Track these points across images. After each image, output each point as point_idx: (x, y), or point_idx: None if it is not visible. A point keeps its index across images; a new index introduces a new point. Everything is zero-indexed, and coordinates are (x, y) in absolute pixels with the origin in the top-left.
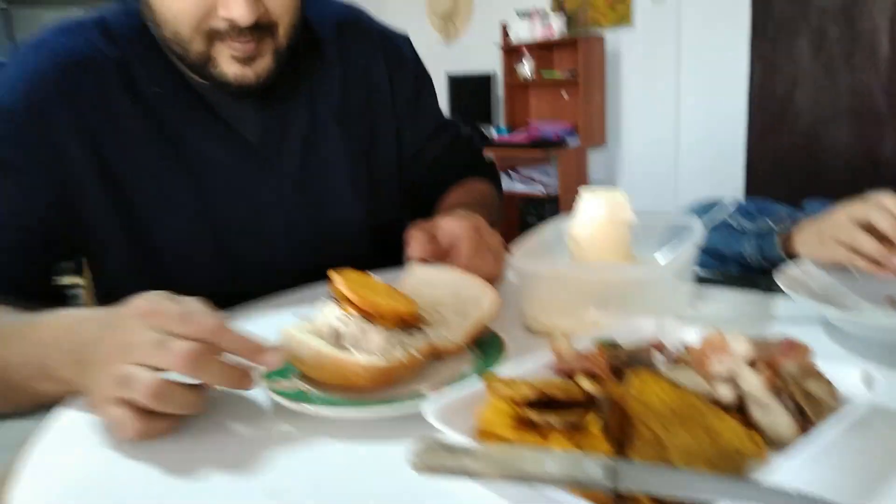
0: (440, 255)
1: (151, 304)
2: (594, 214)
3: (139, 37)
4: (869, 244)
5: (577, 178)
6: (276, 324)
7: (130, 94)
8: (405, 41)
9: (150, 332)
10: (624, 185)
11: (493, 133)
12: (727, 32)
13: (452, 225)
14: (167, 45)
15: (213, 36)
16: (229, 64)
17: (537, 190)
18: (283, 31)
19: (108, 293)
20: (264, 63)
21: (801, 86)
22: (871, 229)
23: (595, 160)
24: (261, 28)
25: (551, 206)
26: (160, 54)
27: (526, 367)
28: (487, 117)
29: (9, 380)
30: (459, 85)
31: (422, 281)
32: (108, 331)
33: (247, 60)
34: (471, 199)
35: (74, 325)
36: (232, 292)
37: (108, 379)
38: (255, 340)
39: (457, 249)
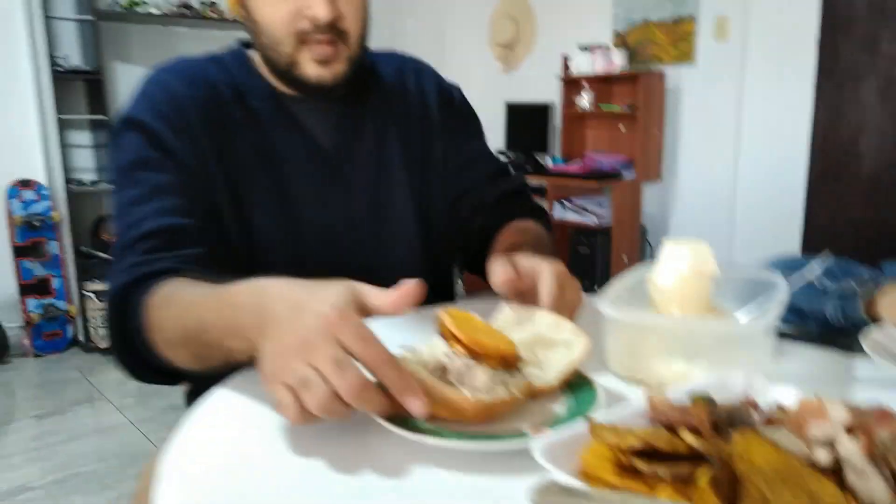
0: (523, 291)
1: (341, 315)
2: (678, 265)
3: (245, 68)
4: None
5: (631, 211)
6: None
7: (239, 104)
8: (457, 89)
9: (334, 347)
10: (677, 222)
11: (548, 162)
12: (792, 74)
13: (535, 264)
14: (264, 53)
15: (299, 38)
16: (311, 66)
17: (590, 220)
18: (353, 39)
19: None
20: (339, 66)
21: (867, 133)
22: None
23: (649, 194)
24: (337, 32)
25: (603, 238)
26: (260, 78)
27: (620, 414)
28: (544, 146)
29: (207, 339)
30: (517, 113)
31: (512, 320)
32: (295, 318)
33: (325, 63)
34: (527, 240)
35: (266, 296)
36: None
37: (287, 368)
38: (411, 382)
39: (542, 290)
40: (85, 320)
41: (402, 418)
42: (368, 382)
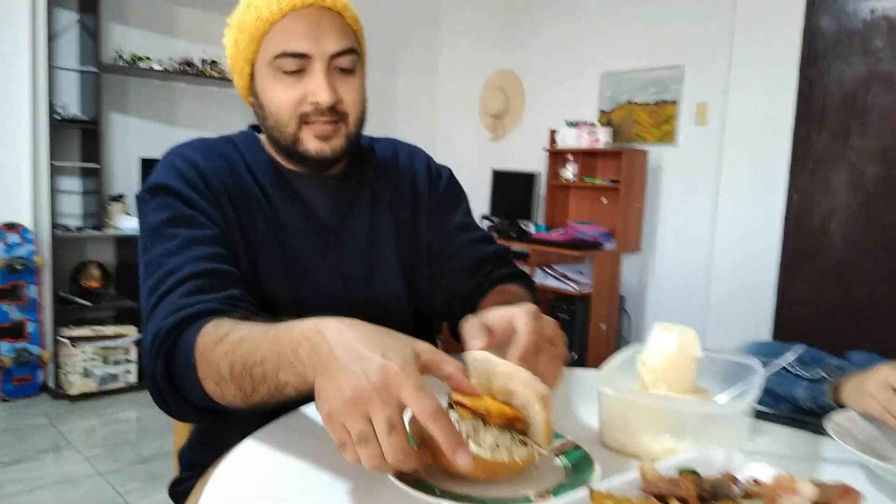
0: (501, 343)
1: (403, 368)
2: (665, 347)
3: (254, 147)
4: None
5: (610, 280)
6: None
7: (250, 178)
8: (447, 170)
9: (391, 407)
10: (655, 292)
11: (531, 229)
12: (767, 159)
13: (506, 311)
14: (270, 134)
15: (302, 119)
16: (312, 141)
17: (570, 287)
18: (352, 120)
19: None
20: (338, 142)
21: (837, 218)
22: None
23: (629, 265)
24: (336, 113)
25: (582, 305)
26: (267, 156)
27: (616, 484)
28: (528, 214)
29: (259, 371)
30: (503, 180)
31: (480, 373)
32: (357, 368)
33: (325, 139)
34: (509, 301)
35: (325, 335)
36: None
37: (348, 416)
38: (460, 437)
39: (519, 327)
40: (57, 366)
41: (416, 481)
42: (411, 449)
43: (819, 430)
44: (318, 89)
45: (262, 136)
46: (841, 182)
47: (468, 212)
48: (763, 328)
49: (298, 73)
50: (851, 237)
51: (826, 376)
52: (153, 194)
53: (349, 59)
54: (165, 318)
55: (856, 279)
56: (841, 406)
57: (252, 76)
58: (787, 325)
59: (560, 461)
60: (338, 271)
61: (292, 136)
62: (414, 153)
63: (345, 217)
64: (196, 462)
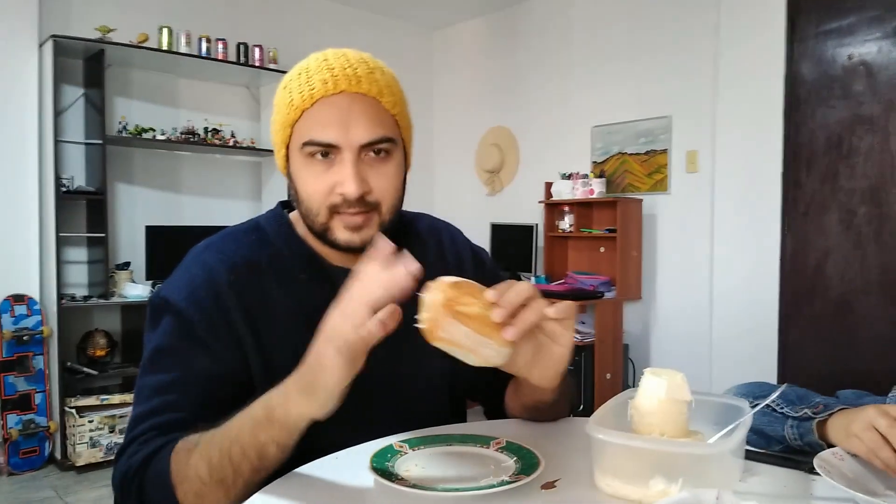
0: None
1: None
2: (656, 392)
3: (286, 236)
4: (883, 451)
5: (613, 329)
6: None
7: (280, 283)
8: (485, 251)
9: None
10: (658, 340)
11: (532, 281)
12: (759, 203)
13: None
14: (304, 220)
15: (332, 209)
16: (342, 232)
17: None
18: (385, 210)
19: None
20: (369, 233)
21: (832, 258)
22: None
23: (630, 313)
24: (367, 204)
25: (587, 354)
26: (301, 245)
27: None
28: (528, 266)
29: (240, 447)
30: (502, 233)
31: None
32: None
33: (355, 229)
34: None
35: (286, 382)
36: (328, 441)
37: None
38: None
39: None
40: (64, 437)
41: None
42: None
43: (810, 469)
44: (345, 180)
45: (294, 215)
46: (833, 223)
47: None
48: (768, 370)
49: (329, 160)
50: (848, 277)
51: (811, 414)
52: (161, 312)
53: (382, 147)
54: (133, 456)
55: (857, 316)
56: (829, 443)
57: (287, 157)
58: (792, 365)
59: (504, 456)
60: (375, 361)
61: (323, 226)
62: (455, 235)
63: None
64: None
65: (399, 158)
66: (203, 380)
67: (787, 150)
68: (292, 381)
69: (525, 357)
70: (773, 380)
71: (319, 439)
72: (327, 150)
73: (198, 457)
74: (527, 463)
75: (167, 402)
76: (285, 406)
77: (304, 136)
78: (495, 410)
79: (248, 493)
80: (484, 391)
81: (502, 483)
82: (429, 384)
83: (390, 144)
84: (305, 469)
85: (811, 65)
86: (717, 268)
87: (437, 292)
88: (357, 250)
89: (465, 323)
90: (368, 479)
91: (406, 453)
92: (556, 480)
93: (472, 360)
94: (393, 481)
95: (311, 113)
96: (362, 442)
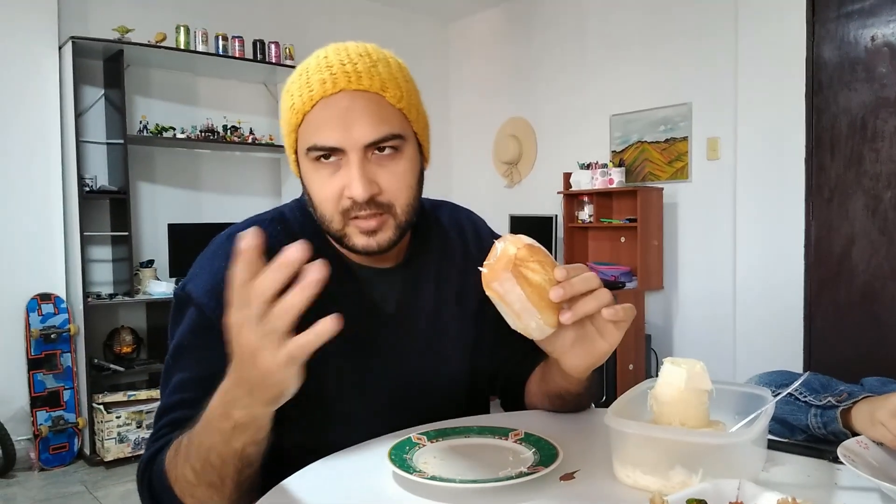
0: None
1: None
2: (675, 381)
3: (311, 228)
4: None
5: (635, 320)
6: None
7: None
8: None
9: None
10: (680, 330)
11: None
12: (782, 190)
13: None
14: (321, 226)
15: (345, 214)
16: (358, 237)
17: None
18: (400, 210)
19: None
20: (385, 235)
21: (857, 244)
22: None
23: (652, 303)
24: (379, 206)
25: None
26: (325, 241)
27: None
28: None
29: (217, 454)
30: (521, 225)
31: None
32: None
33: (370, 233)
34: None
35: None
36: (345, 436)
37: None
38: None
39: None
40: (92, 433)
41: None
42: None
43: (834, 458)
44: (351, 183)
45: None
46: (858, 208)
47: None
48: (793, 358)
49: (335, 163)
50: (874, 263)
51: (835, 402)
52: (184, 305)
53: (389, 145)
54: (147, 451)
55: (883, 302)
56: (853, 431)
57: (297, 162)
58: (818, 353)
59: (523, 447)
60: (398, 357)
61: (339, 233)
62: (478, 225)
63: (411, 309)
64: None
65: (411, 154)
66: (220, 378)
67: (809, 135)
68: (243, 387)
69: (564, 341)
70: (799, 368)
71: (340, 436)
72: (332, 154)
73: (183, 460)
74: (545, 454)
75: (183, 399)
76: (249, 409)
77: (307, 141)
78: (513, 402)
79: (246, 487)
80: (502, 383)
81: (521, 475)
82: (450, 380)
83: (398, 141)
84: (325, 462)
85: (833, 47)
86: (740, 256)
87: (512, 246)
88: (376, 253)
89: (522, 286)
90: (387, 471)
91: (424, 445)
92: (574, 472)
93: (513, 323)
94: (411, 473)
95: (312, 116)
96: (382, 436)
